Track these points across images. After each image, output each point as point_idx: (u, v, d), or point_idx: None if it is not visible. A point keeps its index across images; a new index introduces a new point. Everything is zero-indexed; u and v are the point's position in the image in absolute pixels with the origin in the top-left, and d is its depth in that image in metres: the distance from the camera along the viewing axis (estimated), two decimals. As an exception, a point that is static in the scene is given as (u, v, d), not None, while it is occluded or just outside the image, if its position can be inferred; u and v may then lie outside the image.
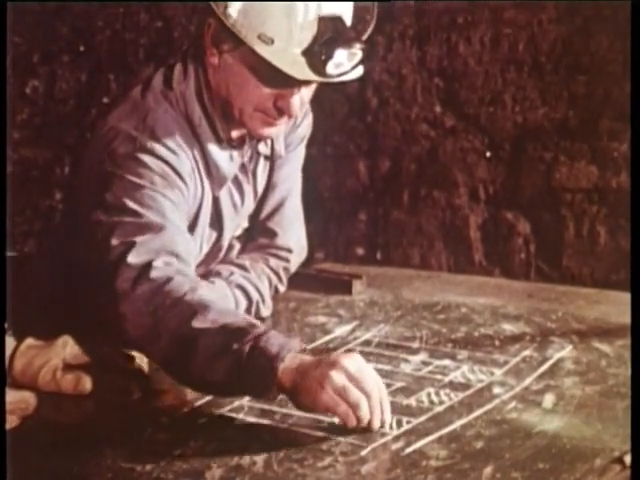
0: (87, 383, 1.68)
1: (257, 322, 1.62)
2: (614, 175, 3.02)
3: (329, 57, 1.72)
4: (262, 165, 2.00)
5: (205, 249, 1.95)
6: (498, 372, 1.81)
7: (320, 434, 1.53)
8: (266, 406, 1.62)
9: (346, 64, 1.74)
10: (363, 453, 1.47)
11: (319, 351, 1.87)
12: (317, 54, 1.72)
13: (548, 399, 1.68)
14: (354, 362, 1.52)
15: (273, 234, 2.07)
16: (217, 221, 1.94)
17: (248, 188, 1.98)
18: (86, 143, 1.96)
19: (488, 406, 1.65)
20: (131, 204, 1.73)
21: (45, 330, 1.75)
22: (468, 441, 1.51)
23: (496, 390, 1.72)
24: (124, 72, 3.51)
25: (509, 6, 3.13)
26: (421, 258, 3.35)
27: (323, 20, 1.72)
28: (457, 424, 1.57)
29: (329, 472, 1.42)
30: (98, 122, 1.88)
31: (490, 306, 2.24)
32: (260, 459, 1.45)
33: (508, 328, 2.08)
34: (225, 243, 1.99)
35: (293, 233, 2.09)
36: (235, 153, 1.91)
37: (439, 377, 1.78)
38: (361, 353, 1.58)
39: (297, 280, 2.17)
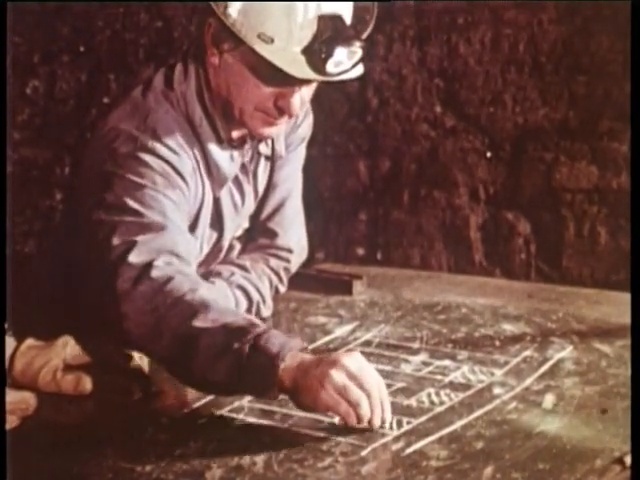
0: (87, 383, 1.68)
1: (258, 321, 1.62)
2: (614, 175, 3.02)
3: (329, 55, 1.71)
4: (263, 165, 2.00)
5: (206, 249, 1.95)
6: (498, 372, 1.81)
7: (320, 434, 1.53)
8: (266, 406, 1.62)
9: (346, 62, 1.74)
10: (363, 453, 1.47)
11: (319, 352, 1.87)
12: (317, 53, 1.72)
13: (548, 399, 1.68)
14: (354, 361, 1.52)
15: (273, 234, 2.07)
16: (218, 221, 1.94)
17: (249, 188, 1.98)
18: (86, 143, 1.96)
19: (488, 406, 1.65)
20: (132, 204, 1.73)
21: (45, 330, 1.75)
22: (468, 441, 1.51)
23: (496, 390, 1.72)
24: (124, 72, 3.50)
25: (509, 6, 3.13)
26: (421, 258, 3.35)
27: (323, 19, 1.72)
28: (457, 424, 1.57)
29: (329, 472, 1.42)
30: (99, 122, 1.88)
31: (490, 306, 2.24)
32: (260, 459, 1.45)
33: (508, 328, 2.08)
34: (226, 243, 1.99)
35: (293, 233, 2.09)
36: (236, 153, 1.91)
37: (439, 377, 1.78)
38: (361, 353, 1.57)
39: (297, 280, 2.17)
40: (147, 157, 1.77)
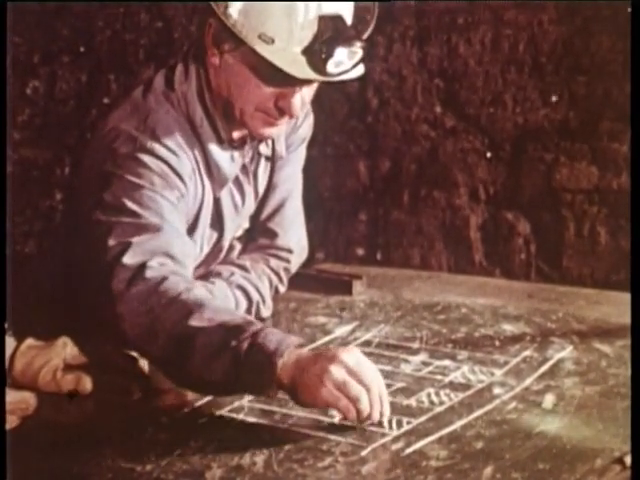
0: (87, 383, 1.68)
1: (253, 319, 1.62)
2: (614, 176, 3.02)
3: (329, 56, 1.72)
4: (263, 166, 2.00)
5: (206, 250, 1.95)
6: (498, 372, 1.81)
7: (320, 434, 1.53)
8: (266, 406, 1.62)
9: (346, 63, 1.74)
10: (363, 453, 1.47)
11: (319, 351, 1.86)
12: (317, 53, 1.72)
13: (548, 399, 1.68)
14: (353, 356, 1.53)
15: (274, 235, 2.07)
16: (218, 222, 1.94)
17: (249, 189, 1.98)
18: (86, 143, 1.96)
19: (488, 406, 1.65)
20: (130, 204, 1.73)
21: (45, 330, 1.75)
22: (468, 441, 1.51)
23: (496, 390, 1.72)
24: (124, 72, 3.50)
25: (509, 7, 3.13)
26: (421, 258, 3.35)
27: (323, 19, 1.72)
28: (457, 424, 1.57)
29: (329, 472, 1.42)
30: (99, 122, 1.88)
31: (490, 306, 2.24)
32: (260, 459, 1.45)
33: (508, 328, 2.08)
34: (226, 244, 1.99)
35: (294, 233, 2.09)
36: (236, 154, 1.91)
37: (439, 377, 1.78)
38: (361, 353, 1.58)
39: (297, 280, 2.17)
40: (146, 158, 1.77)
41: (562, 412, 1.63)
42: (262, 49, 1.72)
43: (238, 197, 1.96)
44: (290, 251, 2.08)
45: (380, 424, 1.54)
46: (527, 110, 3.14)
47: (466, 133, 3.25)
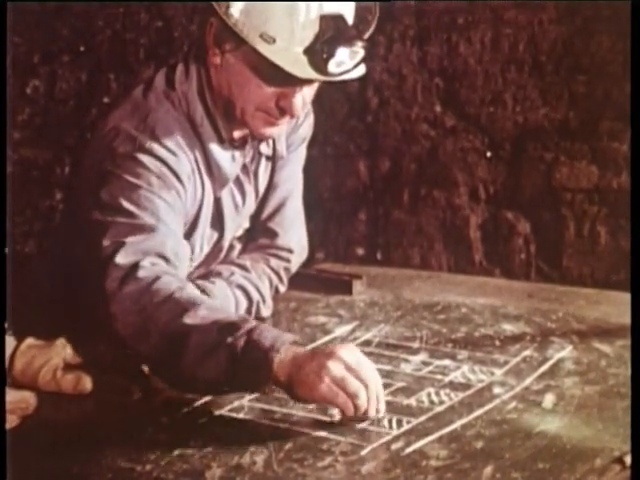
0: (87, 383, 1.68)
1: (247, 316, 1.63)
2: (614, 175, 3.02)
3: (331, 55, 1.72)
4: (264, 165, 2.00)
5: (206, 249, 1.95)
6: (498, 372, 1.81)
7: (320, 434, 1.53)
8: (266, 406, 1.62)
9: (348, 62, 1.74)
10: (363, 453, 1.47)
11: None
12: (319, 52, 1.72)
13: (548, 399, 1.68)
14: (350, 352, 1.53)
15: (274, 234, 2.07)
16: (218, 221, 1.94)
17: (249, 188, 1.98)
18: (86, 143, 1.97)
19: (488, 406, 1.65)
20: (126, 204, 1.73)
21: (45, 330, 1.75)
22: (468, 441, 1.51)
23: (496, 390, 1.72)
24: (124, 72, 3.50)
25: (509, 6, 3.13)
26: (421, 258, 3.35)
27: (325, 19, 1.72)
28: (457, 424, 1.57)
29: (329, 472, 1.42)
30: (99, 122, 1.88)
31: (490, 306, 2.24)
32: (260, 459, 1.45)
33: (508, 328, 2.08)
34: (226, 243, 1.99)
35: (294, 233, 2.09)
36: (237, 153, 1.91)
37: (439, 377, 1.78)
38: (361, 353, 1.58)
39: (297, 280, 2.17)
40: (145, 158, 1.77)
41: (562, 412, 1.63)
42: (263, 49, 1.72)
43: (239, 197, 1.96)
44: (290, 251, 2.08)
45: (379, 423, 1.54)
46: (527, 109, 3.14)
47: (466, 132, 3.25)
